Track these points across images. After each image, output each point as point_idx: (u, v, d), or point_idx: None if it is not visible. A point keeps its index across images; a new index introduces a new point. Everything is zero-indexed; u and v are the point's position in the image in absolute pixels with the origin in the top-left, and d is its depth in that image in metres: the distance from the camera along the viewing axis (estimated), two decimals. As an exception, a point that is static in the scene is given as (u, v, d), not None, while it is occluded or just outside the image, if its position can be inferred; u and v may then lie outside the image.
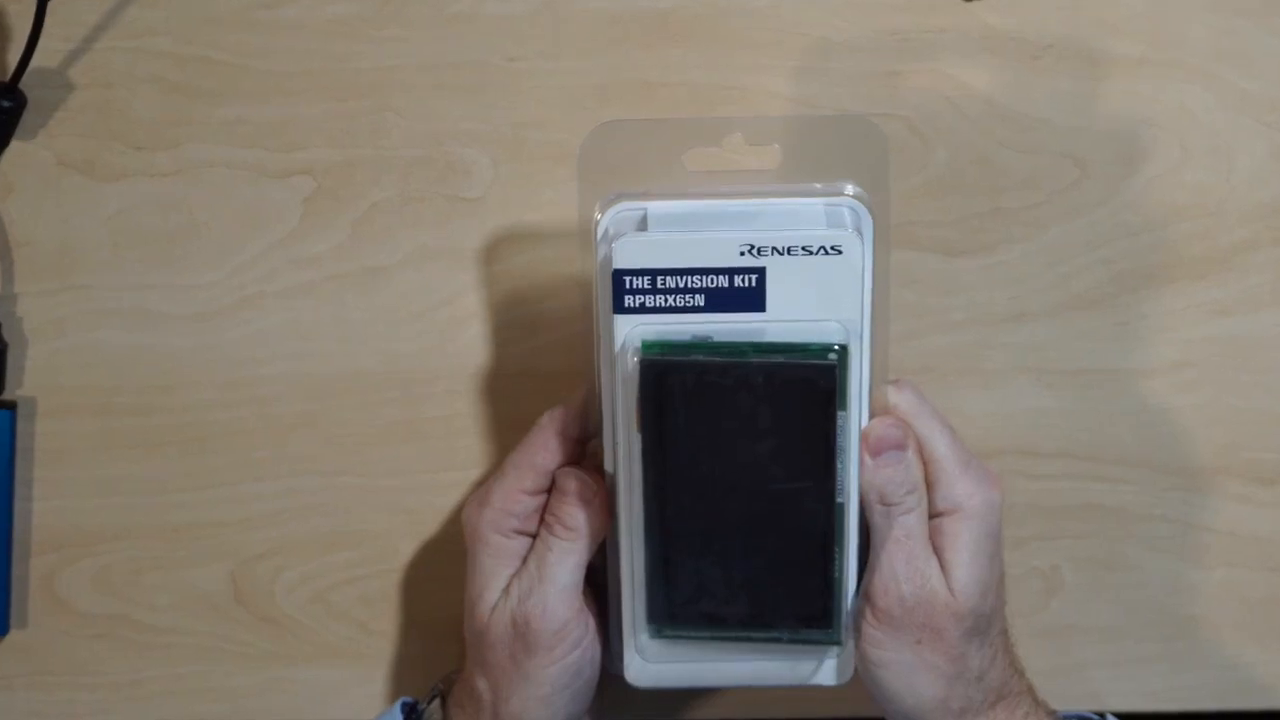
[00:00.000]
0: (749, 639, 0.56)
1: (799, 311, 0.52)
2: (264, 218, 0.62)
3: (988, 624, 0.56)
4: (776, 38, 0.62)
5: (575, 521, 0.56)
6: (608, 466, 0.56)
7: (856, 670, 0.57)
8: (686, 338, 0.52)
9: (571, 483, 0.56)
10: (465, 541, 0.58)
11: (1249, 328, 0.63)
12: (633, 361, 0.52)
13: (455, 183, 0.62)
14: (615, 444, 0.55)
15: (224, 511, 0.64)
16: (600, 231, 0.53)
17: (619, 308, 0.52)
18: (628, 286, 0.52)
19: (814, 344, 0.52)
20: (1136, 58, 0.62)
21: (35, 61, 0.61)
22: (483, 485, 0.58)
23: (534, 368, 0.63)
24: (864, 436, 0.55)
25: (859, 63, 0.62)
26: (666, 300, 0.52)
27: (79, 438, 0.63)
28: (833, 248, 0.51)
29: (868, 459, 0.54)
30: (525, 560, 0.56)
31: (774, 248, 0.51)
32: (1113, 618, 0.65)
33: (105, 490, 0.64)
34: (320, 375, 0.63)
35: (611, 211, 0.53)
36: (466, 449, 0.63)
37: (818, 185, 0.54)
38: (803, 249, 0.51)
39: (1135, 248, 0.63)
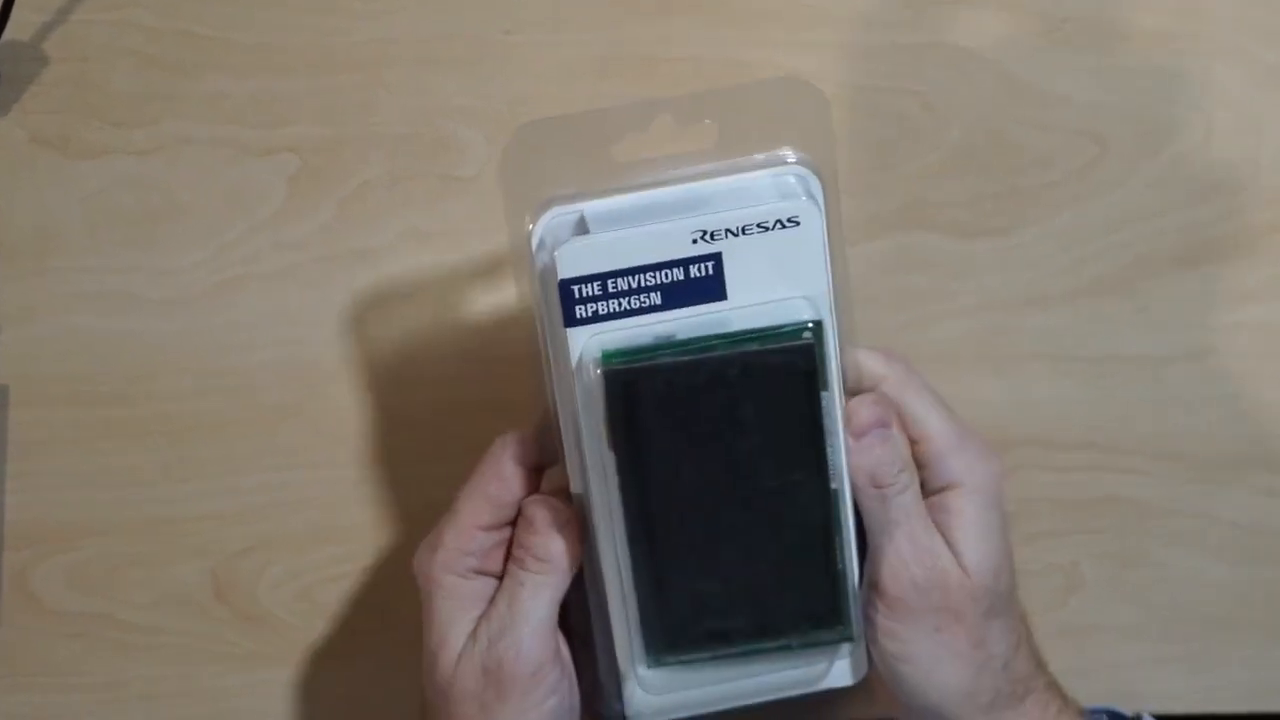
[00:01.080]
0: (757, 651, 0.53)
1: (763, 293, 0.49)
2: (247, 197, 0.61)
3: (1005, 605, 0.54)
4: (784, 10, 0.60)
5: (547, 552, 0.52)
6: (575, 489, 0.52)
7: (873, 668, 0.55)
8: (649, 340, 0.49)
9: (540, 511, 0.52)
10: (419, 592, 0.54)
11: (1276, 314, 0.62)
12: (594, 375, 0.49)
13: (447, 161, 0.61)
14: (582, 466, 0.52)
15: (205, 505, 0.63)
16: (535, 241, 0.50)
17: (570, 320, 0.49)
18: (577, 296, 0.49)
19: (786, 325, 0.49)
20: (1159, 31, 0.60)
21: (8, 34, 0.60)
22: (432, 530, 0.55)
23: (530, 355, 0.60)
24: (846, 418, 0.52)
25: (869, 35, 0.60)
26: (620, 304, 0.49)
27: (54, 428, 0.62)
28: (789, 220, 0.49)
29: (852, 441, 0.52)
30: (493, 601, 0.53)
31: (727, 230, 0.49)
32: (1133, 616, 0.64)
33: (82, 483, 0.63)
34: (306, 362, 0.62)
35: (545, 218, 0.50)
36: (460, 440, 0.61)
37: (759, 156, 0.51)
38: (758, 226, 0.49)
39: (1157, 230, 0.61)
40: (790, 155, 0.51)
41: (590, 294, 0.48)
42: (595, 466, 0.51)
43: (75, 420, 0.62)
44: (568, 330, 0.49)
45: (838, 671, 0.55)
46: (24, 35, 0.60)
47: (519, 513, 0.53)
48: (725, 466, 0.50)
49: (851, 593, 0.53)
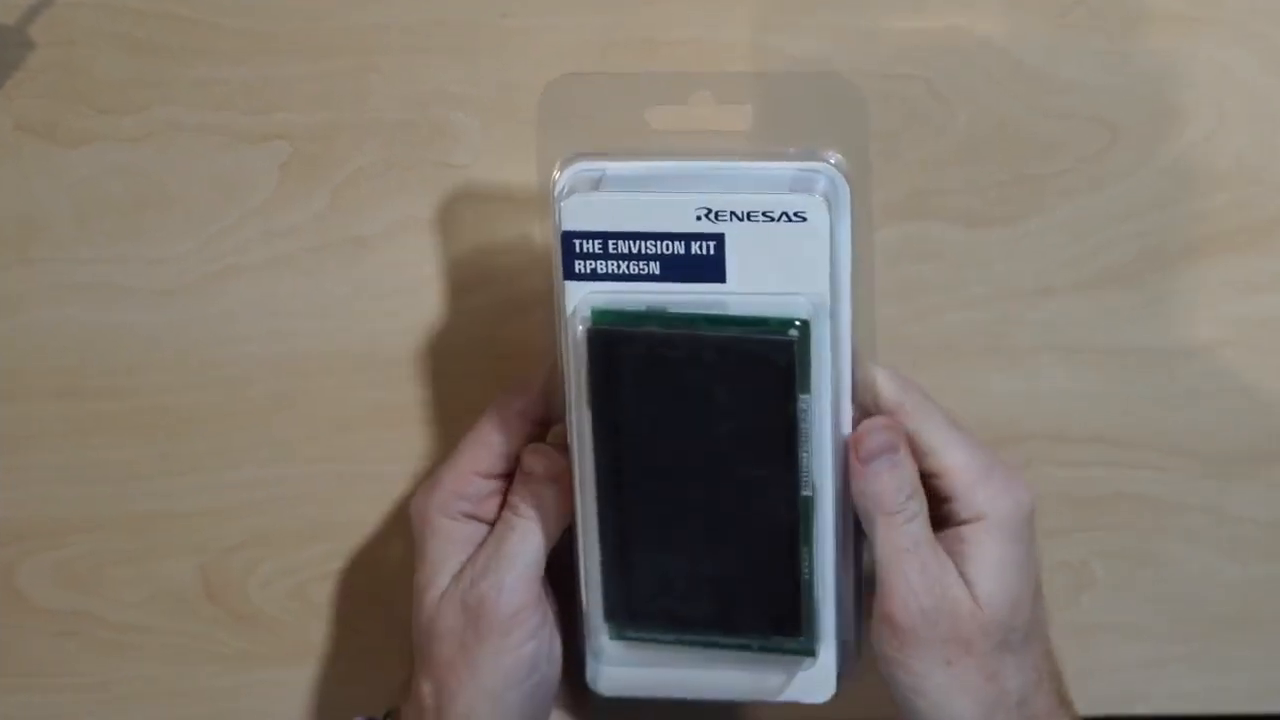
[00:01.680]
0: (716, 644, 0.53)
1: (762, 284, 0.49)
2: (238, 185, 0.60)
3: (1022, 641, 0.53)
4: (789, -8, 0.59)
5: (540, 499, 0.53)
6: (571, 445, 0.52)
7: (841, 689, 0.55)
8: (640, 307, 0.49)
9: (537, 459, 0.53)
10: (414, 531, 0.55)
11: (1291, 305, 0.61)
12: (580, 331, 0.50)
13: (443, 148, 0.60)
14: (573, 421, 0.52)
15: (195, 501, 0.62)
16: (557, 192, 0.51)
17: (569, 273, 0.50)
18: (578, 250, 0.49)
19: (774, 318, 0.49)
20: (1173, 15, 0.59)
21: (-7, 18, 0.59)
22: (431, 474, 0.56)
23: (528, 345, 0.60)
24: (853, 443, 0.52)
25: (876, 19, 0.59)
26: (620, 267, 0.49)
27: (40, 422, 0.62)
28: (796, 214, 0.48)
29: (858, 466, 0.51)
30: (482, 544, 0.54)
31: (732, 213, 0.48)
32: (1145, 615, 0.63)
33: (68, 478, 0.62)
34: (299, 354, 0.61)
35: (569, 171, 0.51)
36: (456, 434, 0.60)
37: (791, 149, 0.51)
38: (764, 215, 0.48)
39: (1169, 219, 0.60)
40: (824, 153, 0.51)
41: (590, 250, 0.49)
42: (577, 423, 0.51)
43: (62, 414, 0.61)
44: (566, 283, 0.50)
45: (799, 686, 0.54)
46: (9, 18, 0.59)
47: (517, 461, 0.53)
48: (698, 448, 0.50)
49: (819, 607, 0.52)
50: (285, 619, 0.63)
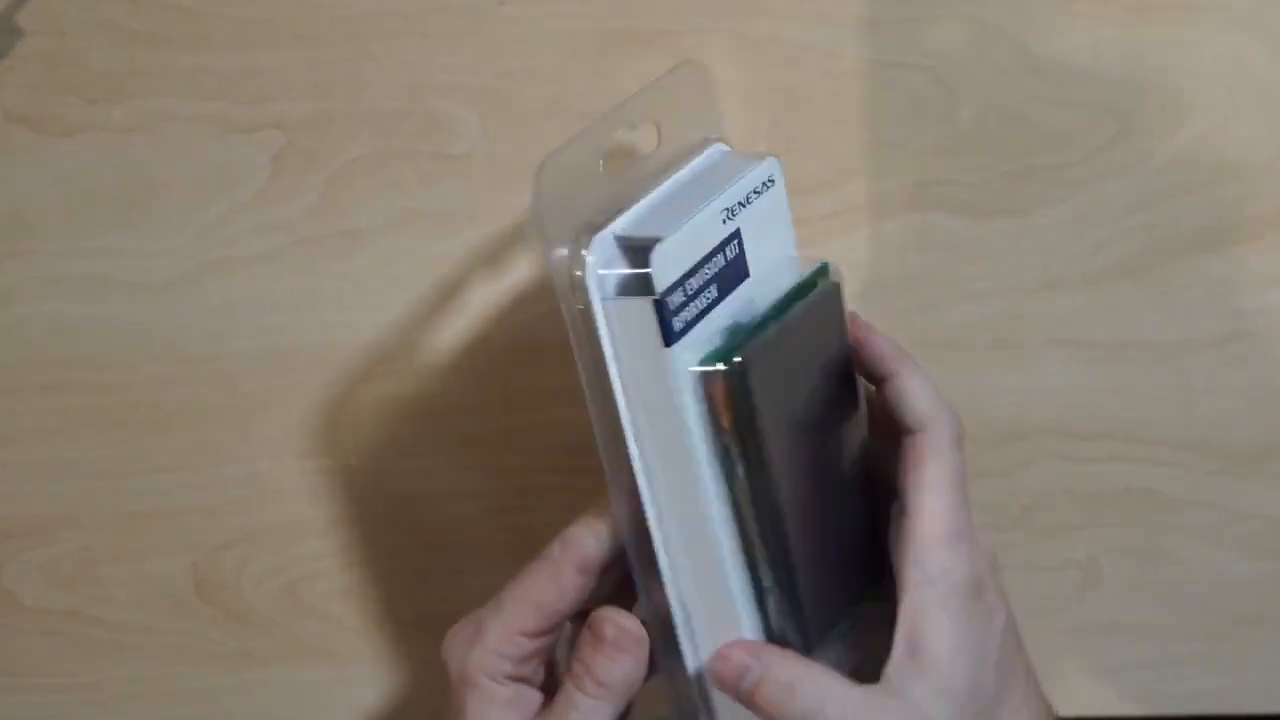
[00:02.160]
0: (871, 603, 0.51)
1: (766, 259, 0.49)
2: (229, 176, 0.59)
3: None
4: (789, -20, 0.59)
5: (611, 676, 0.49)
6: (669, 587, 0.49)
7: None
8: (723, 337, 0.48)
9: (609, 629, 0.49)
10: (450, 679, 0.51)
11: (1302, 298, 0.60)
12: (701, 382, 0.46)
13: (439, 139, 0.59)
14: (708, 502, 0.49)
15: (185, 498, 0.62)
16: (593, 283, 0.46)
17: (670, 339, 0.46)
18: (672, 307, 0.46)
19: (809, 276, 0.50)
20: (1182, 3, 0.58)
21: (-20, 6, 0.58)
22: (473, 614, 0.52)
23: (524, 341, 0.60)
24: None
25: (880, 8, 0.58)
26: (696, 306, 0.47)
27: (28, 417, 0.61)
28: (769, 180, 0.49)
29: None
30: (541, 714, 0.50)
31: (739, 202, 0.48)
32: (1154, 613, 0.63)
33: (57, 475, 0.62)
34: (291, 349, 0.61)
35: (592, 257, 0.46)
36: (451, 430, 0.61)
37: (687, 143, 0.51)
38: (754, 192, 0.49)
39: (1179, 210, 0.59)
40: (706, 135, 0.51)
41: (678, 303, 0.46)
42: (717, 499, 0.48)
43: (51, 409, 0.61)
44: (669, 351, 0.46)
45: None
46: (-3, 7, 0.59)
47: (588, 624, 0.50)
48: (817, 433, 0.50)
49: None
50: (278, 617, 0.63)
